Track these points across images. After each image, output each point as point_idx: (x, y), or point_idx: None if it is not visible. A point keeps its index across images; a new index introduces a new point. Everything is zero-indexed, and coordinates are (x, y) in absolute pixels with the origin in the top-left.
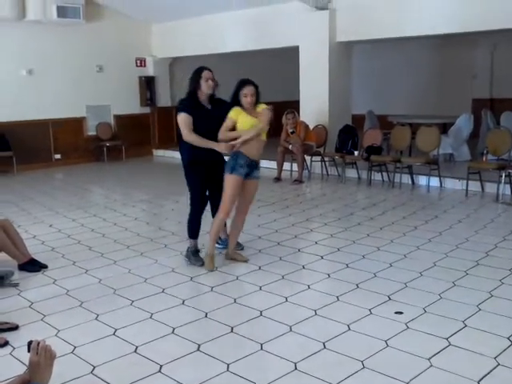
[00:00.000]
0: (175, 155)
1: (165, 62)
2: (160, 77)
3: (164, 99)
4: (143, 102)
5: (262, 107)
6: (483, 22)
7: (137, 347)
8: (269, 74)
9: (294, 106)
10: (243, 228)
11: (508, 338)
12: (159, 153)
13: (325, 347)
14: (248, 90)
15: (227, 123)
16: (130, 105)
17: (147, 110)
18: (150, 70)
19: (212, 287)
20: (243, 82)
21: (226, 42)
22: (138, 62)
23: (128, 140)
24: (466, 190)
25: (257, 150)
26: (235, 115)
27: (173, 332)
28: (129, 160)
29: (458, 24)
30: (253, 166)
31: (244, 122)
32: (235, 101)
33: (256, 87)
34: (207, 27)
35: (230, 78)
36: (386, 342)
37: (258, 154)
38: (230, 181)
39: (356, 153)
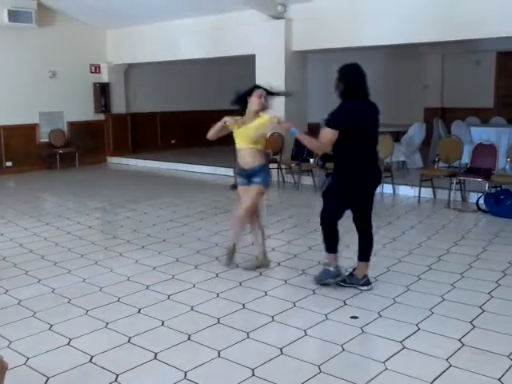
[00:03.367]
0: (130, 162)
1: (120, 69)
2: (115, 83)
3: (119, 106)
4: (97, 108)
5: (264, 118)
6: (432, 33)
7: (92, 357)
8: (225, 81)
9: None
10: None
11: (459, 340)
12: (114, 160)
13: (282, 353)
14: (259, 92)
15: (218, 124)
16: (84, 111)
17: (101, 116)
18: (104, 77)
19: (169, 295)
20: (256, 87)
21: (181, 49)
22: (93, 68)
23: (82, 147)
24: (419, 196)
25: (249, 159)
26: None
27: (129, 341)
28: (82, 167)
29: (408, 35)
30: (248, 174)
31: (238, 133)
32: (241, 103)
33: (267, 93)
34: (163, 34)
35: (187, 84)
36: (341, 346)
37: (251, 162)
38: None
39: (311, 160)
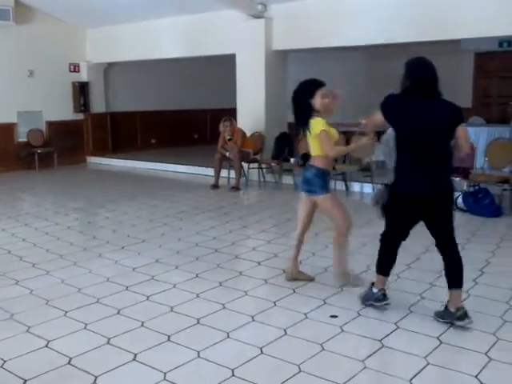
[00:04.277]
0: (110, 162)
1: (99, 68)
2: (94, 82)
3: (98, 105)
4: (77, 108)
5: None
6: (410, 34)
7: (70, 359)
8: (205, 80)
9: (231, 113)
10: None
11: (437, 338)
12: (93, 160)
13: (262, 352)
14: (327, 91)
15: (326, 138)
16: (63, 111)
17: (81, 116)
18: (83, 76)
19: (148, 296)
20: (320, 83)
21: (161, 48)
22: (72, 67)
23: (61, 147)
24: None
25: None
26: (326, 126)
27: (108, 342)
28: (61, 168)
29: (386, 36)
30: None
31: (334, 132)
32: (305, 106)
33: None
34: (143, 33)
35: (167, 84)
36: (321, 345)
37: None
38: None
39: (292, 160)
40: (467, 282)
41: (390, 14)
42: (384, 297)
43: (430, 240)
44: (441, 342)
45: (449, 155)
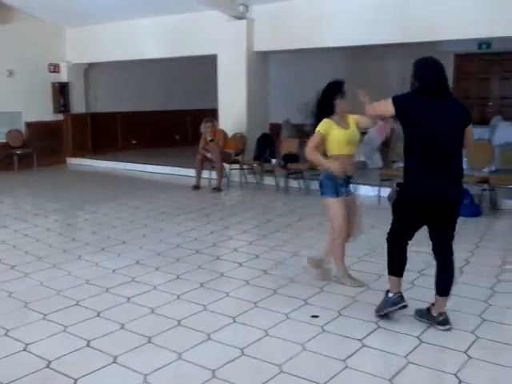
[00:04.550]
0: (90, 163)
1: (79, 68)
2: (74, 83)
3: (78, 106)
4: (56, 108)
5: (352, 117)
6: (391, 35)
7: (50, 362)
8: (187, 81)
9: (212, 114)
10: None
11: (417, 337)
12: (74, 161)
13: (243, 354)
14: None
15: (316, 139)
16: (43, 111)
17: (61, 117)
18: (63, 76)
19: (128, 298)
20: (340, 84)
21: (142, 48)
22: (52, 67)
23: (40, 148)
24: (378, 196)
25: (350, 165)
26: (325, 129)
27: (88, 345)
28: (41, 169)
29: (368, 37)
30: (344, 183)
31: (337, 136)
32: (326, 108)
33: None
34: (123, 33)
35: (148, 84)
36: (302, 345)
37: (351, 168)
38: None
39: (274, 161)
40: None
41: (371, 16)
42: (401, 298)
43: (413, 240)
44: (421, 341)
45: (461, 157)
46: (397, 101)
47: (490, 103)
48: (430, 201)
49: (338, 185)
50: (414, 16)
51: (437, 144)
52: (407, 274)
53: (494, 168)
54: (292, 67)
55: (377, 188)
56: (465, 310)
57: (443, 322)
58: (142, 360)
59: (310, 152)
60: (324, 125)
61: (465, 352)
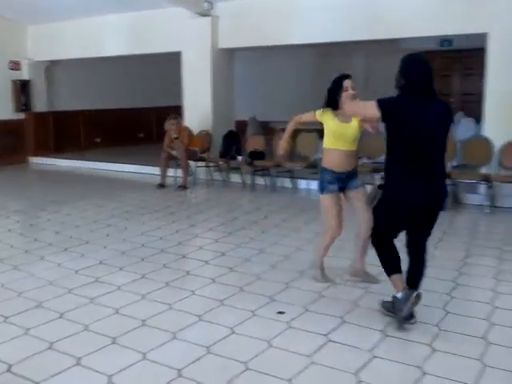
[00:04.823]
0: (53, 162)
1: (41, 66)
2: (36, 81)
3: (40, 104)
4: (17, 107)
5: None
6: (357, 33)
7: (11, 366)
8: (151, 78)
9: (177, 111)
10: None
11: (382, 331)
12: (35, 160)
13: (209, 352)
14: (348, 83)
15: (306, 115)
16: (3, 110)
17: (22, 115)
18: (24, 74)
19: (92, 299)
20: (344, 76)
21: (105, 45)
22: (12, 64)
23: (0, 147)
24: None
25: (348, 161)
26: (320, 115)
27: (50, 347)
28: (1, 168)
29: (334, 34)
30: (341, 178)
31: (332, 127)
32: (333, 101)
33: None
34: (86, 30)
35: (112, 82)
36: (268, 342)
37: (349, 165)
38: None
39: (240, 158)
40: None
41: (336, 13)
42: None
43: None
44: (386, 335)
45: (444, 158)
46: (383, 104)
47: (452, 99)
48: (416, 203)
49: (326, 181)
50: (378, 14)
51: (423, 146)
52: (372, 268)
53: (455, 163)
54: (258, 64)
55: None
56: (429, 303)
57: (409, 316)
58: (107, 361)
59: (291, 122)
60: (323, 111)
61: (429, 345)
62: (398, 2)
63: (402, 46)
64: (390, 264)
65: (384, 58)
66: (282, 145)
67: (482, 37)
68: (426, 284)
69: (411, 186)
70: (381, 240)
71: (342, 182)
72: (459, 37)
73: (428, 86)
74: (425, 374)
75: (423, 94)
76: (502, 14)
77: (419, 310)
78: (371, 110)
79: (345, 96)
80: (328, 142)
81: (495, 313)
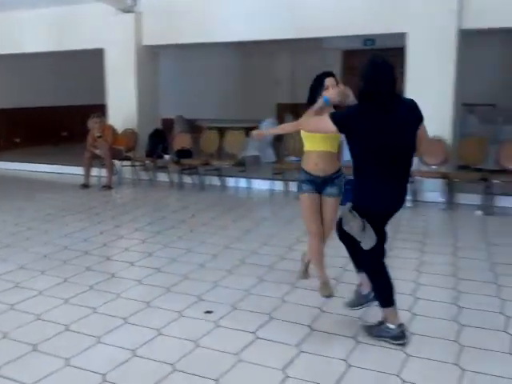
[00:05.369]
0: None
1: None
2: None
3: None
4: None
5: None
6: (278, 31)
7: None
8: (73, 76)
9: (101, 109)
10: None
11: (308, 326)
12: None
13: (135, 355)
14: (329, 81)
15: (294, 124)
16: None
17: None
18: None
19: (12, 305)
20: (325, 74)
21: (23, 41)
22: None
23: None
24: (271, 189)
25: (324, 164)
26: (300, 122)
27: None
28: None
29: (255, 33)
30: (319, 182)
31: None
32: (313, 99)
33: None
34: (4, 25)
35: (32, 79)
36: (195, 342)
37: (327, 168)
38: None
39: (167, 157)
40: (336, 270)
41: (259, 12)
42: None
43: (303, 231)
44: (312, 330)
45: (411, 159)
46: (336, 118)
47: None
48: (391, 210)
49: (300, 180)
50: (302, 13)
51: (391, 152)
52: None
53: None
54: (184, 62)
55: (269, 182)
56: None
57: (400, 335)
58: (26, 370)
59: (277, 128)
60: (304, 118)
61: (353, 337)
62: (321, 2)
63: (326, 45)
64: (387, 292)
65: (307, 56)
66: (265, 132)
67: (403, 36)
68: (349, 278)
69: (384, 193)
70: (378, 259)
71: (317, 185)
72: (382, 36)
73: (390, 88)
74: (350, 366)
75: (385, 97)
76: (420, 15)
77: (345, 302)
78: (325, 124)
79: (325, 94)
80: (305, 144)
81: (417, 304)
